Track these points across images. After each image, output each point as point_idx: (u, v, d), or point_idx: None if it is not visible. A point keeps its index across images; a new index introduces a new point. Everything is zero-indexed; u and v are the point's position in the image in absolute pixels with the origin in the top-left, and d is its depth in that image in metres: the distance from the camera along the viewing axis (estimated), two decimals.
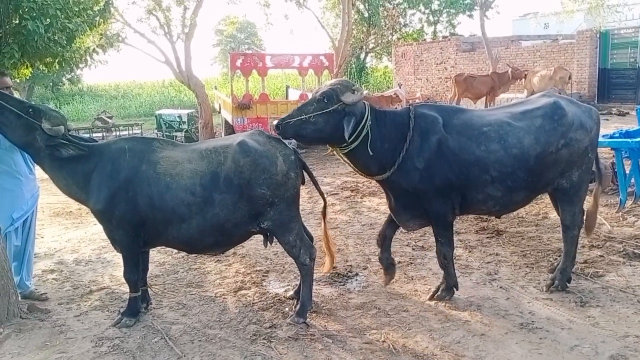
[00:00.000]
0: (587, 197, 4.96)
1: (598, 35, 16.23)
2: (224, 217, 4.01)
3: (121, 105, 31.65)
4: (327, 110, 4.07)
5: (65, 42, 8.85)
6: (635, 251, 5.43)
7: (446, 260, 4.50)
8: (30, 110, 4.02)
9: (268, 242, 4.43)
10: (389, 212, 7.59)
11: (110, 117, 21.55)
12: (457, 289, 4.59)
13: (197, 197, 3.96)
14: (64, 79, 36.41)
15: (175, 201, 3.95)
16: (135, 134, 17.75)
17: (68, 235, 7.13)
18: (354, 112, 4.12)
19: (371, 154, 4.16)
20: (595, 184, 4.92)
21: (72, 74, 35.00)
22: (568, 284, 4.67)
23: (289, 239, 4.23)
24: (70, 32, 8.87)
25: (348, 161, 4.42)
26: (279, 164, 4.08)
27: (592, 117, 4.58)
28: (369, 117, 4.18)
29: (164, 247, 4.87)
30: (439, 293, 4.58)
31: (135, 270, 4.24)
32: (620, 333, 3.90)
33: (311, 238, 4.56)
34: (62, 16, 8.02)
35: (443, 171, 4.20)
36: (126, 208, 3.98)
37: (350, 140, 4.11)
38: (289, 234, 4.22)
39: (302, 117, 4.09)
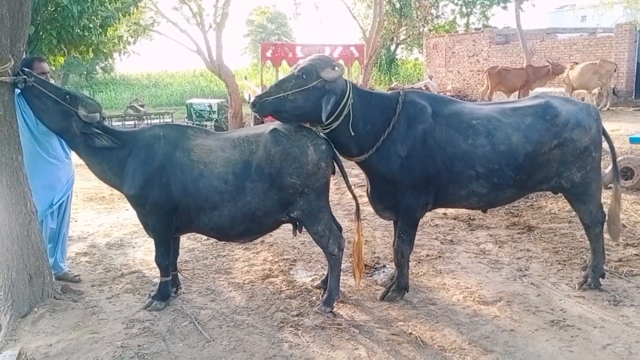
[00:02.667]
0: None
1: (638, 29, 15.71)
2: (255, 206, 4.04)
3: (153, 94, 32.13)
4: (306, 87, 3.94)
5: (99, 30, 9.05)
6: None
7: (403, 258, 4.40)
8: (67, 96, 4.10)
9: (297, 231, 4.44)
10: None
11: (142, 106, 21.93)
12: (407, 291, 4.49)
13: (229, 185, 4.00)
14: (97, 68, 37.20)
15: (208, 188, 3.99)
16: (166, 122, 18.03)
17: (101, 219, 7.29)
18: (334, 90, 4.00)
19: (352, 134, 4.07)
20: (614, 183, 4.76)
21: (106, 62, 35.77)
22: (601, 282, 4.57)
23: (317, 229, 4.23)
24: (104, 20, 9.06)
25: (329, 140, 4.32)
26: (310, 154, 4.08)
27: (590, 115, 4.39)
28: (351, 96, 4.08)
29: (194, 233, 4.93)
30: (389, 294, 4.44)
31: (167, 255, 4.31)
32: None
33: (340, 229, 4.55)
34: (97, 2, 8.20)
35: (424, 163, 4.11)
36: (159, 194, 4.04)
37: (330, 119, 4.02)
38: (318, 224, 4.22)
39: (280, 94, 3.96)
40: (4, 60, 3.88)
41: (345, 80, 4.14)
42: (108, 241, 6.25)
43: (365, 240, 5.83)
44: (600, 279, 4.56)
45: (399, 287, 4.48)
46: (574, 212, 6.73)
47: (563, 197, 6.99)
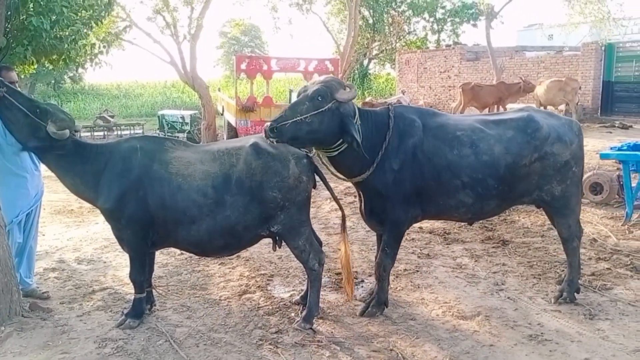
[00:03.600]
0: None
1: (603, 48, 16.26)
2: (235, 220, 3.97)
3: (123, 104, 31.65)
4: (322, 109, 3.86)
5: (71, 39, 8.86)
6: None
7: (385, 272, 4.39)
8: (38, 110, 3.96)
9: (277, 246, 4.38)
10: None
11: (112, 116, 21.55)
12: (387, 306, 4.48)
13: (208, 198, 3.92)
14: (66, 77, 36.45)
15: (187, 202, 3.90)
16: (136, 133, 17.74)
17: (69, 233, 7.07)
18: (348, 112, 3.99)
19: (362, 153, 4.01)
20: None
21: (74, 72, 35.09)
22: (576, 296, 4.63)
23: (298, 244, 4.18)
24: (77, 29, 8.87)
25: (330, 164, 4.28)
26: (291, 167, 4.04)
27: (572, 130, 4.50)
28: (357, 117, 4.07)
29: (167, 248, 4.82)
30: (369, 309, 4.42)
31: (142, 271, 4.19)
32: (631, 347, 3.85)
33: (320, 243, 4.51)
34: (68, 12, 8.02)
35: (414, 175, 4.15)
36: (136, 207, 3.93)
37: (338, 142, 3.99)
38: (299, 239, 4.17)
39: (297, 117, 3.82)
40: None
41: (352, 103, 4.13)
42: (78, 256, 6.06)
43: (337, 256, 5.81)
44: (575, 294, 4.63)
45: (378, 303, 4.45)
46: (546, 227, 6.91)
47: (536, 211, 7.17)
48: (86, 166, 4.04)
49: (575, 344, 3.93)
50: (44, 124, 3.89)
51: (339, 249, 4.43)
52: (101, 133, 19.12)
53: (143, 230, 4.03)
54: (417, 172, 4.15)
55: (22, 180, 4.52)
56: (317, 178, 4.33)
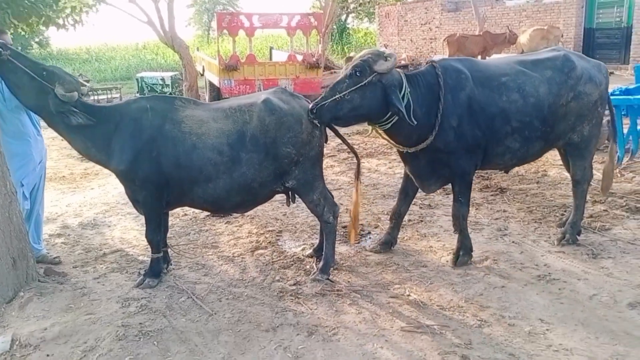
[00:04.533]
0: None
1: None
2: (251, 176, 3.98)
3: (96, 68, 30.66)
4: (362, 83, 3.81)
5: (51, 1, 8.53)
6: (637, 205, 5.60)
7: (464, 220, 4.48)
8: (44, 72, 3.85)
9: (290, 201, 4.42)
10: (390, 174, 7.69)
11: (88, 81, 20.87)
12: (472, 250, 4.60)
13: (224, 156, 3.91)
14: (32, 42, 35.09)
15: (203, 160, 3.89)
16: (114, 98, 17.32)
17: (66, 199, 6.99)
18: (392, 83, 3.88)
19: (415, 122, 3.93)
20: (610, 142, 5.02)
21: (41, 37, 33.80)
22: (578, 237, 4.81)
23: (313, 198, 4.23)
24: None
25: (387, 137, 4.26)
26: (304, 122, 4.04)
27: (601, 72, 4.63)
28: (406, 86, 3.97)
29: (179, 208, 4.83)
30: (460, 258, 4.49)
31: (158, 231, 4.20)
32: (635, 282, 4.05)
33: (332, 196, 4.56)
34: None
35: (472, 126, 4.16)
36: (150, 168, 3.91)
37: (389, 113, 3.92)
38: (313, 193, 4.22)
39: (336, 96, 3.81)
40: None
41: (397, 70, 4.03)
42: (80, 221, 6.02)
43: (346, 209, 5.88)
44: (577, 235, 4.80)
45: (467, 249, 4.50)
46: (540, 174, 7.08)
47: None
48: (96, 128, 3.97)
49: (582, 281, 4.12)
50: (52, 87, 3.79)
51: (353, 197, 4.47)
52: None
53: (158, 190, 4.02)
54: (474, 123, 4.15)
55: (26, 146, 4.44)
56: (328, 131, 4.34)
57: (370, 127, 4.33)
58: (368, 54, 3.94)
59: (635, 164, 7.01)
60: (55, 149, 9.74)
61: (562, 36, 14.56)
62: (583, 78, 4.43)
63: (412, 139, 4.17)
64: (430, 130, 4.09)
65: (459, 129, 4.13)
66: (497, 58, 5.33)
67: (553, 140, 4.58)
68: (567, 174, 6.72)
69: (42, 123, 4.37)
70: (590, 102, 4.49)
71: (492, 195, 6.37)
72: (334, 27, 29.56)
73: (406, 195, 4.81)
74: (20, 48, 34.59)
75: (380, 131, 4.22)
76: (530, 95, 4.26)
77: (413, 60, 20.61)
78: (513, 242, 4.94)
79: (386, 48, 17.68)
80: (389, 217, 4.93)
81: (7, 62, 3.73)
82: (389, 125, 4.03)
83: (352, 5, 29.31)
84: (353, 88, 3.81)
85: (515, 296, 3.95)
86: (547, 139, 4.49)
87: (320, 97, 3.92)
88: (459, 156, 4.24)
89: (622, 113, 6.91)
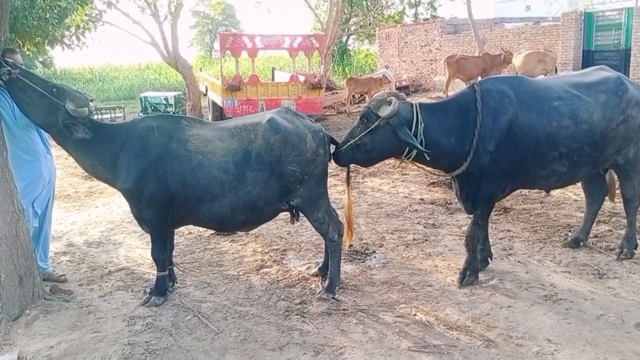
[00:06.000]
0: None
1: (582, 17, 16.45)
2: (256, 195, 4.00)
3: (100, 88, 30.93)
4: (370, 128, 4.05)
5: (56, 20, 8.64)
6: None
7: (478, 242, 4.48)
8: (54, 89, 3.91)
9: (294, 219, 4.44)
10: (394, 192, 7.70)
11: (92, 100, 21.04)
12: (479, 271, 4.59)
13: (230, 175, 3.94)
14: (36, 62, 35.42)
15: (209, 179, 3.92)
16: (117, 117, 17.44)
17: (72, 217, 7.00)
18: (400, 122, 4.01)
19: (428, 157, 4.06)
20: None
21: (45, 56, 34.13)
22: (584, 257, 4.82)
23: (317, 216, 4.25)
24: (61, 10, 8.66)
25: (421, 166, 4.38)
26: (309, 141, 4.08)
27: None
28: (421, 120, 4.05)
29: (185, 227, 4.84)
30: (466, 278, 4.48)
31: (163, 249, 4.21)
32: None
33: (336, 214, 4.58)
34: None
35: (510, 151, 4.11)
36: (156, 186, 3.94)
37: (409, 148, 4.05)
38: (318, 211, 4.24)
39: (350, 141, 4.12)
40: None
41: (411, 106, 4.12)
42: (86, 239, 6.03)
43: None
44: (634, 250, 4.82)
45: (473, 270, 4.49)
46: (542, 194, 7.09)
47: None
48: (103, 146, 4.02)
49: (589, 301, 4.11)
50: (62, 103, 3.85)
51: (345, 202, 4.64)
52: None
53: (163, 209, 4.04)
54: (512, 148, 4.11)
55: (35, 164, 4.46)
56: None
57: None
58: (372, 101, 4.21)
59: None
60: (60, 167, 9.74)
61: (555, 59, 14.74)
62: (632, 101, 4.43)
63: (442, 166, 4.28)
64: (463, 156, 4.11)
65: (495, 154, 4.10)
66: (549, 78, 5.33)
67: (600, 164, 4.56)
68: (571, 194, 6.84)
69: (51, 141, 4.41)
70: (636, 125, 4.49)
71: (495, 215, 6.36)
72: (335, 48, 29.86)
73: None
74: (24, 67, 34.94)
75: (409, 163, 4.36)
76: (583, 121, 4.20)
77: (414, 81, 20.79)
78: (518, 261, 4.94)
79: (387, 69, 17.87)
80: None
81: (16, 81, 3.79)
82: (411, 158, 4.17)
83: (352, 27, 29.60)
84: (363, 133, 4.08)
85: (522, 316, 3.94)
86: (595, 162, 4.46)
87: (340, 143, 4.27)
88: (491, 180, 4.21)
89: None
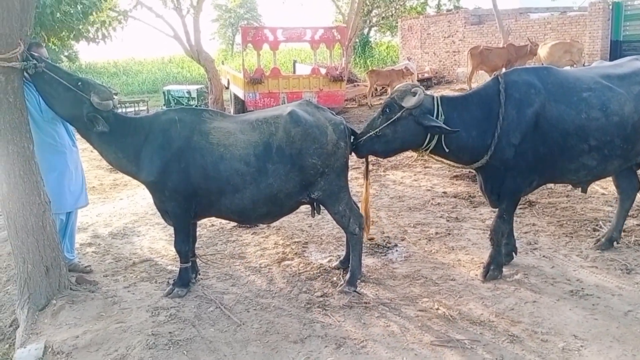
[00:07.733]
0: None
1: (610, 7, 16.02)
2: (277, 187, 4.00)
3: (123, 82, 31.39)
4: (392, 119, 4.00)
5: (81, 15, 8.77)
6: None
7: (503, 237, 4.39)
8: (79, 83, 3.96)
9: (315, 213, 4.43)
10: (416, 185, 7.64)
11: (116, 94, 21.31)
12: (503, 266, 4.51)
13: (251, 167, 3.95)
14: (62, 57, 36.02)
15: (230, 171, 3.93)
16: (141, 110, 17.65)
17: (97, 209, 7.12)
18: (421, 112, 3.96)
19: (447, 149, 4.03)
20: None
21: (70, 51, 34.66)
22: (611, 251, 4.71)
23: (338, 209, 4.23)
24: (86, 6, 8.78)
25: (439, 159, 4.32)
26: (329, 134, 4.06)
27: None
28: (442, 112, 4.00)
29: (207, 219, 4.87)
30: (490, 272, 4.41)
31: (187, 241, 4.24)
32: None
33: (357, 207, 4.56)
34: None
35: (536, 144, 4.01)
36: (178, 179, 3.96)
37: (429, 139, 4.01)
38: (339, 204, 4.22)
39: (370, 132, 4.08)
40: (14, 44, 3.73)
41: (432, 98, 4.07)
42: (110, 231, 6.12)
43: (372, 221, 5.86)
44: None
45: (498, 265, 4.42)
46: (569, 187, 6.95)
47: None
48: (127, 139, 4.06)
49: (617, 297, 4.02)
50: (87, 97, 3.89)
51: (363, 195, 4.61)
52: None
53: (186, 201, 4.07)
54: (539, 141, 4.01)
55: (62, 157, 4.53)
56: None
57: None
58: (396, 91, 4.11)
59: None
60: (85, 160, 9.87)
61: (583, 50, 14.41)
62: None
63: (463, 159, 4.21)
64: (484, 150, 4.03)
65: (521, 147, 4.00)
66: (580, 69, 5.13)
67: (632, 157, 4.40)
68: (599, 188, 6.68)
69: (77, 135, 4.47)
70: None
71: (520, 208, 6.25)
72: (357, 40, 29.69)
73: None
74: (50, 61, 35.56)
75: (428, 156, 4.27)
76: (614, 113, 4.05)
77: (436, 73, 20.55)
78: (544, 256, 4.85)
79: (409, 61, 17.69)
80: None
81: (42, 74, 3.84)
82: (429, 150, 4.12)
83: (374, 19, 29.36)
84: (385, 124, 4.03)
85: (548, 311, 3.87)
86: (627, 156, 4.30)
87: (359, 133, 4.21)
88: (516, 174, 4.12)
89: None
